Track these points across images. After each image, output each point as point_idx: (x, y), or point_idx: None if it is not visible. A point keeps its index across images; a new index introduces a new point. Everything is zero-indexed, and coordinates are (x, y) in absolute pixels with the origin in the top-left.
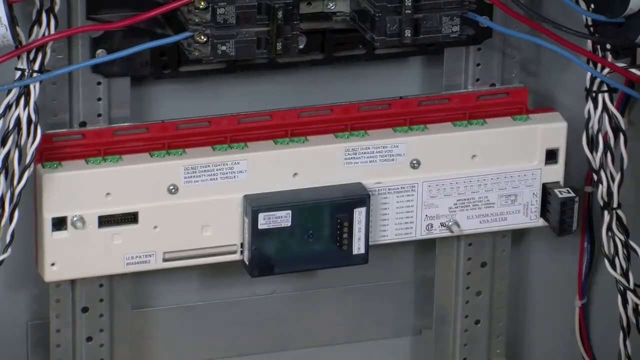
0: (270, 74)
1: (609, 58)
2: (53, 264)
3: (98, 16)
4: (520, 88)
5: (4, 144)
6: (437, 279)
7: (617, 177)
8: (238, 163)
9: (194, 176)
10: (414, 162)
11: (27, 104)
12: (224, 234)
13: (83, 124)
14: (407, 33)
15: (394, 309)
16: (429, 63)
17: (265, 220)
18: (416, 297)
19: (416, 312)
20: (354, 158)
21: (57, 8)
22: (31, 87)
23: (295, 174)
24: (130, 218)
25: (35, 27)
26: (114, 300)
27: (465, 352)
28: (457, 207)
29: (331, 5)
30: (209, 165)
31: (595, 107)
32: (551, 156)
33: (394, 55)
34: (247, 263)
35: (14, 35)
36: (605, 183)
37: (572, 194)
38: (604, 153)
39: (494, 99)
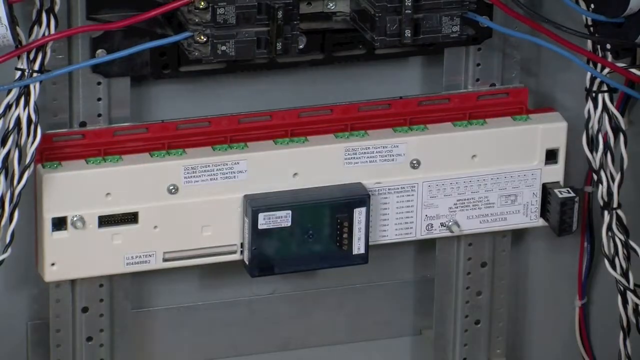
0: (270, 74)
1: (609, 58)
2: (53, 264)
3: (98, 16)
4: (520, 88)
5: (4, 144)
6: (437, 279)
7: (617, 177)
8: (238, 163)
9: (194, 176)
10: (414, 162)
11: (27, 104)
12: (224, 234)
13: (83, 124)
14: (407, 33)
15: (394, 309)
16: (429, 63)
17: (265, 220)
18: (416, 297)
19: (416, 312)
20: (354, 158)
21: (57, 8)
22: (31, 87)
23: (295, 174)
24: (130, 218)
25: (35, 27)
26: (114, 300)
27: (465, 352)
28: (457, 207)
29: (331, 5)
30: (209, 165)
31: (595, 107)
32: (551, 156)
33: (394, 55)
34: (247, 263)
35: (14, 35)
36: (605, 183)
37: (572, 194)
38: (604, 153)
39: (494, 99)
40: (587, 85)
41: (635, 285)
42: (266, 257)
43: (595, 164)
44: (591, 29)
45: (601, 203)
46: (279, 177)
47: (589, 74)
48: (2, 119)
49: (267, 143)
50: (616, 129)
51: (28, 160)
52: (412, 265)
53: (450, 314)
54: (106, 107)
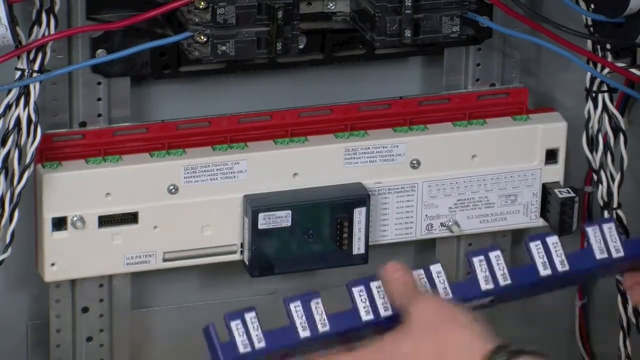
0: (270, 74)
1: (609, 58)
2: (53, 264)
3: (98, 16)
4: (520, 88)
5: (4, 144)
6: None
7: (617, 177)
8: (238, 163)
9: (194, 176)
10: (414, 162)
11: (27, 104)
12: (224, 234)
13: (83, 124)
14: (407, 33)
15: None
16: (429, 63)
17: (265, 220)
18: None
19: None
20: (354, 158)
21: (57, 8)
22: (31, 87)
23: (295, 174)
24: (130, 218)
25: (35, 27)
26: (114, 300)
27: None
28: (457, 207)
29: (331, 5)
30: (209, 165)
31: (595, 107)
32: (551, 156)
33: (394, 55)
34: (247, 263)
35: (14, 35)
36: (605, 183)
37: (572, 194)
38: (604, 153)
39: (494, 99)
40: (587, 85)
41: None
42: (266, 257)
43: (595, 164)
44: (591, 29)
45: (601, 203)
46: (279, 177)
47: (589, 74)
48: (2, 119)
49: (267, 143)
50: (616, 129)
51: (28, 160)
52: (412, 265)
53: None
54: (106, 107)
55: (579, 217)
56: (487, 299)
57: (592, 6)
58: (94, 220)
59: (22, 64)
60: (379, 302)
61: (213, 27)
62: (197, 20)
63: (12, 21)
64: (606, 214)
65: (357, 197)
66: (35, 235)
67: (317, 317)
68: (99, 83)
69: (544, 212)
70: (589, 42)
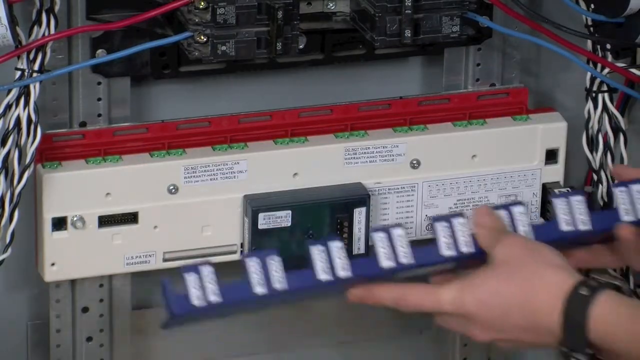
0: (270, 74)
1: (609, 58)
2: (53, 264)
3: (98, 16)
4: (520, 88)
5: (4, 144)
6: None
7: None
8: (238, 163)
9: (194, 176)
10: (414, 162)
11: (27, 104)
12: (224, 234)
13: (83, 124)
14: (407, 33)
15: (394, 309)
16: (429, 63)
17: (265, 220)
18: None
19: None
20: (354, 158)
21: (57, 8)
22: (31, 87)
23: (295, 174)
24: (130, 218)
25: (35, 27)
26: (114, 300)
27: (465, 352)
28: (457, 207)
29: (331, 5)
30: (209, 165)
31: (595, 107)
32: (551, 156)
33: (394, 55)
34: None
35: (14, 35)
36: (605, 183)
37: None
38: (604, 153)
39: (494, 99)
40: (587, 85)
41: (635, 285)
42: None
43: (595, 164)
44: (591, 29)
45: (601, 203)
46: (279, 177)
47: (589, 74)
48: (2, 119)
49: (267, 143)
50: (616, 129)
51: (28, 160)
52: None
53: None
54: (106, 107)
55: None
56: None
57: (592, 6)
58: (94, 220)
59: (22, 64)
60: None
61: (213, 27)
62: (197, 20)
63: (12, 21)
64: None
65: (357, 197)
66: (35, 235)
67: (273, 275)
68: (99, 83)
69: (544, 212)
70: (589, 42)
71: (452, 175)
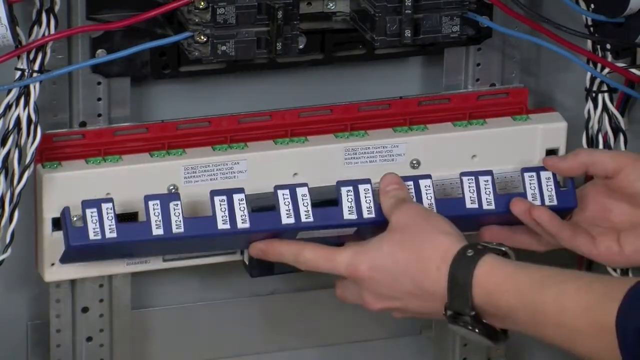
0: (270, 74)
1: (609, 58)
2: (53, 264)
3: (98, 16)
4: (520, 88)
5: (4, 144)
6: None
7: None
8: (238, 163)
9: (194, 176)
10: (414, 162)
11: (27, 104)
12: None
13: (83, 124)
14: (407, 33)
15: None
16: (429, 63)
17: None
18: None
19: None
20: (354, 158)
21: (57, 8)
22: (31, 87)
23: (295, 174)
24: (130, 218)
25: (35, 27)
26: (114, 300)
27: (465, 352)
28: None
29: (331, 5)
30: (209, 165)
31: (595, 107)
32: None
33: (394, 55)
34: (247, 263)
35: (14, 35)
36: None
37: None
38: None
39: (494, 99)
40: (587, 85)
41: None
42: None
43: None
44: (591, 29)
45: None
46: (279, 177)
47: (589, 74)
48: (2, 119)
49: (267, 143)
50: (616, 129)
51: (28, 160)
52: None
53: None
54: (106, 107)
55: None
56: None
57: (592, 6)
58: None
59: (22, 64)
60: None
61: (213, 27)
62: (197, 20)
63: (12, 21)
64: None
65: None
66: (35, 235)
67: (173, 219)
68: (99, 83)
69: None
70: (589, 42)
71: (452, 175)
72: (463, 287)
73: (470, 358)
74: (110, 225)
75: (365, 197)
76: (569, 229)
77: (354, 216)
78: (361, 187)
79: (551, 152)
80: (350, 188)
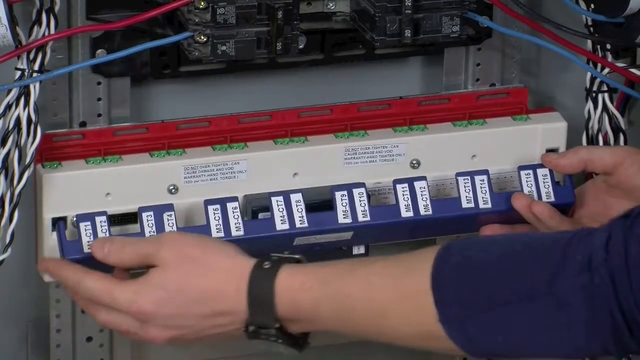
0: (270, 74)
1: (609, 58)
2: None
3: (98, 16)
4: (520, 88)
5: (4, 144)
6: None
7: None
8: (238, 163)
9: (194, 176)
10: (414, 162)
11: (27, 104)
12: None
13: (83, 124)
14: (407, 33)
15: None
16: (429, 63)
17: None
18: None
19: None
20: (354, 158)
21: (57, 8)
22: (31, 87)
23: (295, 174)
24: (130, 218)
25: (35, 27)
26: None
27: None
28: None
29: (331, 5)
30: (209, 165)
31: (595, 107)
32: None
33: (394, 55)
34: None
35: (14, 35)
36: None
37: None
38: None
39: (494, 99)
40: (587, 85)
41: None
42: None
43: None
44: (591, 29)
45: None
46: (279, 177)
47: (589, 74)
48: (2, 119)
49: (267, 143)
50: (616, 129)
51: (28, 160)
52: None
53: None
54: (106, 107)
55: None
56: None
57: (592, 6)
58: None
59: (22, 64)
60: None
61: (213, 27)
62: (197, 20)
63: (12, 21)
64: None
65: None
66: (35, 235)
67: (167, 229)
68: (99, 83)
69: None
70: (589, 42)
71: (452, 175)
72: (266, 298)
73: (471, 358)
74: None
75: (360, 200)
76: (569, 224)
77: (349, 220)
78: (355, 191)
79: (551, 152)
80: (345, 192)
